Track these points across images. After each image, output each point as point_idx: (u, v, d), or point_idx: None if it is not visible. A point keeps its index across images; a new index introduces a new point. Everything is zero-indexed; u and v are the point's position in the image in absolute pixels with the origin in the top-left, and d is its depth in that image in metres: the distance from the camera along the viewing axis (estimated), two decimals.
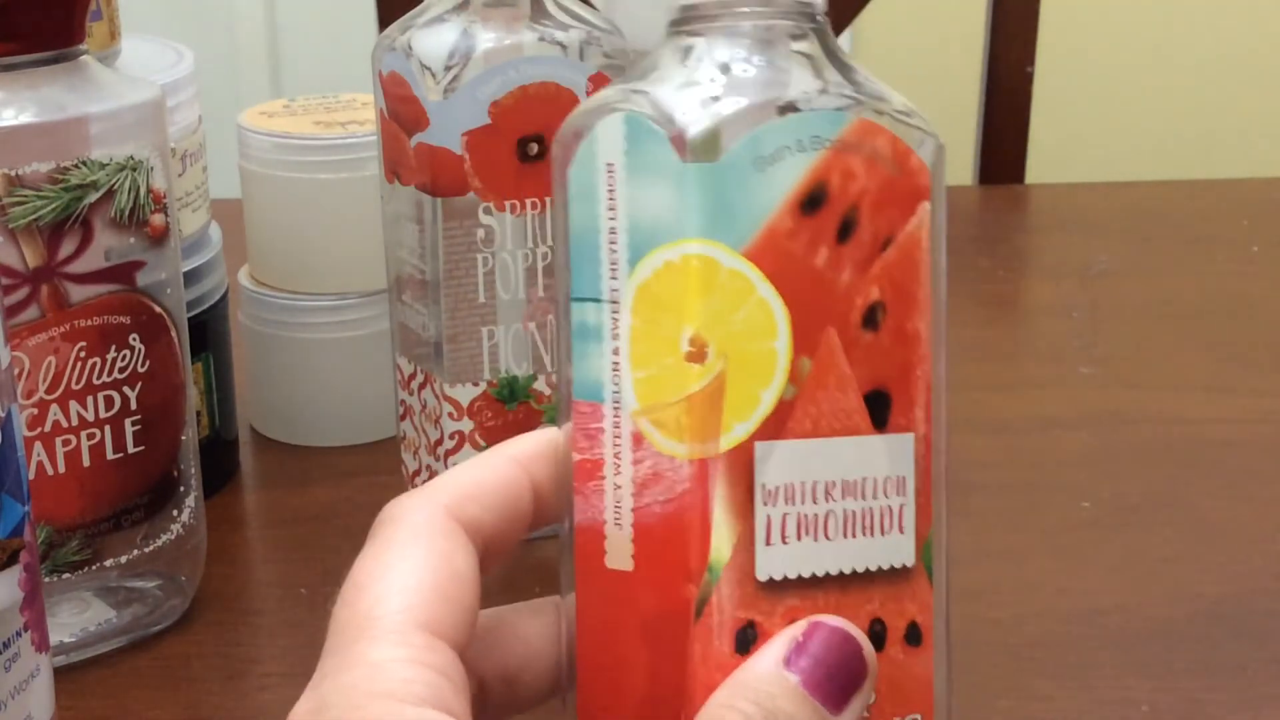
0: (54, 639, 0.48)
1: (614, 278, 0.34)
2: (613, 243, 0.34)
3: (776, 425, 0.33)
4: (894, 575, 0.34)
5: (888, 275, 0.34)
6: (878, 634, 0.34)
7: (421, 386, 0.58)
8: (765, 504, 0.33)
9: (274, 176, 0.66)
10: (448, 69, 0.54)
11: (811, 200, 0.33)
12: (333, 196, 0.65)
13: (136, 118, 0.50)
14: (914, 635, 0.35)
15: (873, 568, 0.34)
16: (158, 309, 0.51)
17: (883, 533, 0.34)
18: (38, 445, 0.49)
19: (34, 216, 0.48)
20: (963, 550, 0.59)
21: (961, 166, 1.19)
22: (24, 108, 0.48)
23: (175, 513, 0.53)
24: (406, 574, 0.32)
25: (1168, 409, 0.70)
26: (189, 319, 0.54)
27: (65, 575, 0.51)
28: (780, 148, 0.33)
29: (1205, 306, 0.82)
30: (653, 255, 0.33)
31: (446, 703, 0.30)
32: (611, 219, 0.34)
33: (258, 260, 0.68)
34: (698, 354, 0.33)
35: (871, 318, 0.34)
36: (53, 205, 0.48)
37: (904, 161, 0.34)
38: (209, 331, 0.63)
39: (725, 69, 0.34)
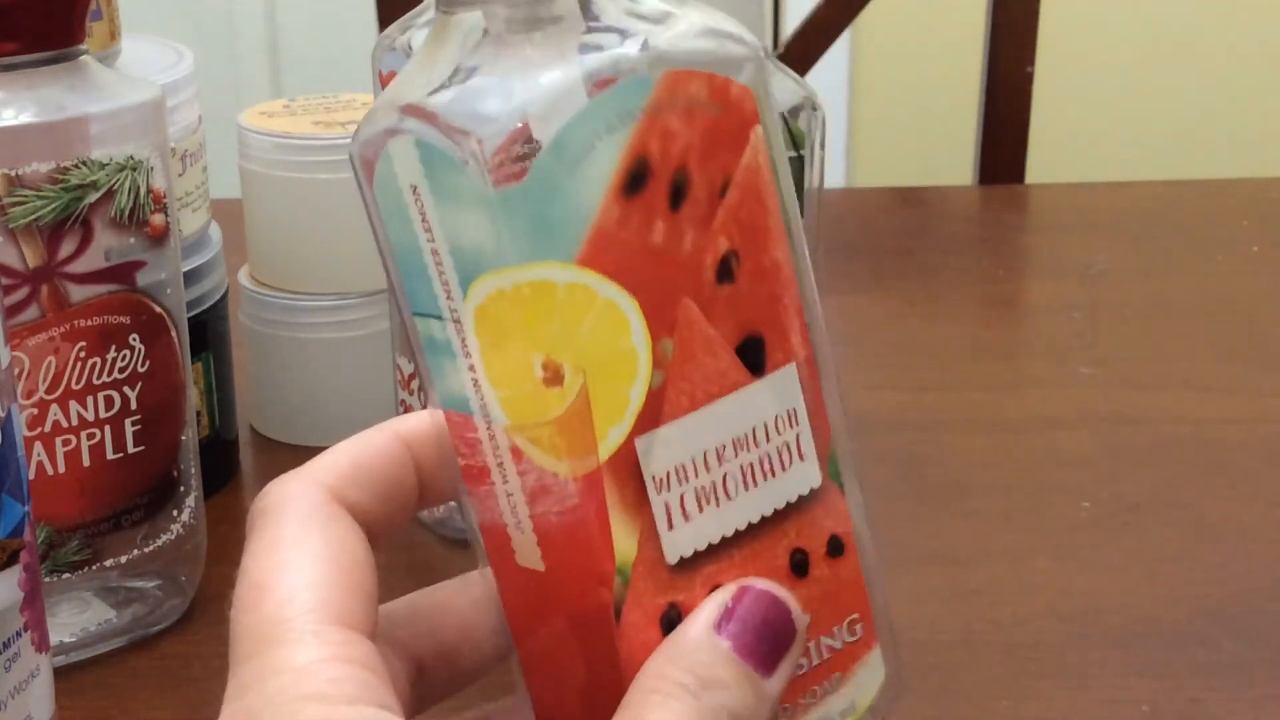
0: (54, 639, 0.48)
1: (450, 298, 0.32)
2: (439, 265, 0.32)
3: (652, 415, 0.32)
4: (804, 501, 0.34)
5: (733, 220, 0.33)
6: (800, 561, 0.34)
7: (421, 386, 0.58)
8: (659, 492, 0.32)
9: (274, 176, 0.66)
10: None
11: (634, 180, 0.32)
12: (333, 196, 0.65)
13: (136, 118, 0.50)
14: (836, 547, 0.35)
15: (781, 505, 0.34)
16: (158, 309, 0.51)
17: (784, 469, 0.34)
18: (38, 445, 0.49)
19: (34, 216, 0.48)
20: (963, 550, 0.59)
21: (961, 166, 1.19)
22: (24, 108, 0.48)
23: (175, 513, 0.53)
24: (307, 568, 0.31)
25: (1168, 409, 0.70)
26: (189, 319, 0.54)
27: (65, 575, 0.51)
28: (588, 138, 0.31)
29: (1205, 306, 0.82)
30: (483, 280, 0.32)
31: (377, 696, 0.30)
32: (431, 241, 0.32)
33: (258, 260, 0.68)
34: (554, 378, 0.32)
35: (726, 269, 0.33)
36: (53, 205, 0.48)
37: (724, 96, 0.33)
38: (209, 331, 0.63)
39: (508, 56, 0.32)
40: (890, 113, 1.99)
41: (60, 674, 0.46)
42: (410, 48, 0.55)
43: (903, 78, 1.98)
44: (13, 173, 0.47)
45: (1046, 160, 1.31)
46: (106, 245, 0.50)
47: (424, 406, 0.58)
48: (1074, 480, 0.64)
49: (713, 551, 0.33)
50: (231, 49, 2.09)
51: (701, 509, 0.33)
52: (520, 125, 0.30)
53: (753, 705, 0.31)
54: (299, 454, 0.66)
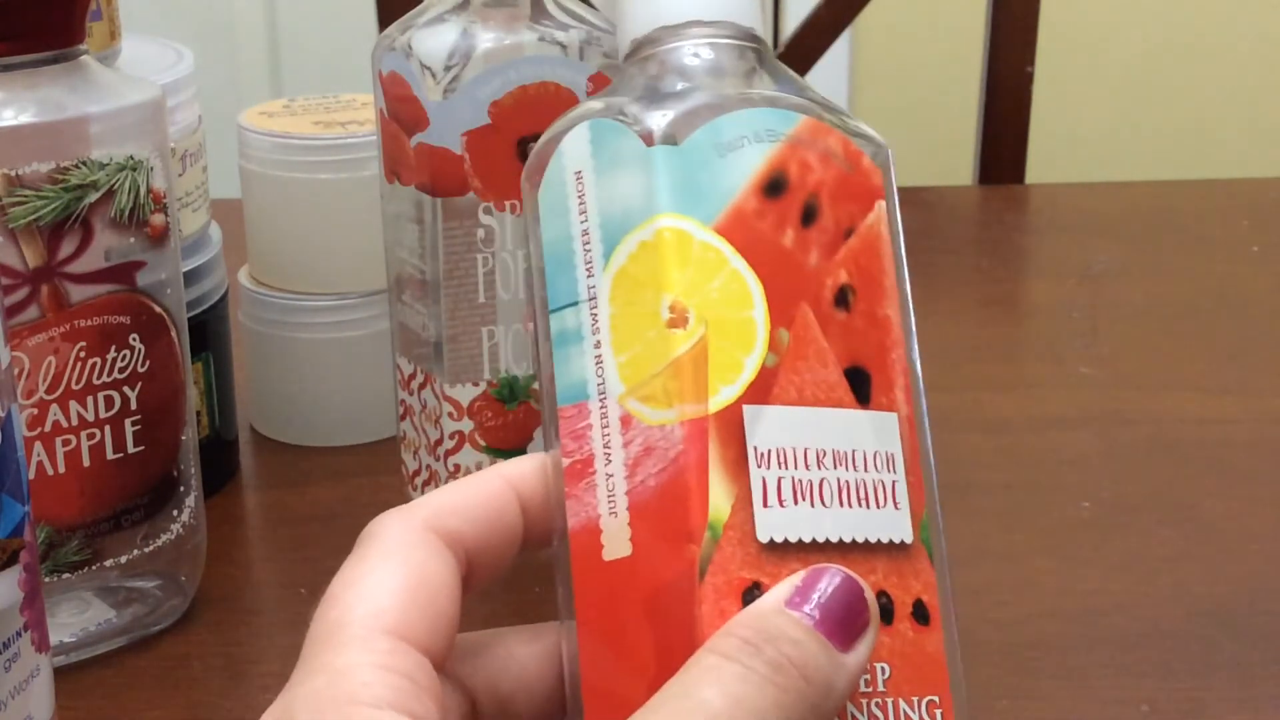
0: (54, 639, 0.48)
1: (590, 275, 0.34)
2: (586, 245, 0.35)
3: (762, 390, 0.33)
4: (894, 550, 0.34)
5: (854, 261, 0.35)
6: (885, 606, 0.33)
7: (421, 386, 0.58)
8: (759, 466, 0.33)
9: (274, 176, 0.66)
10: (448, 69, 0.54)
11: (773, 185, 0.35)
12: (333, 196, 0.65)
13: (136, 118, 0.50)
14: (921, 613, 0.34)
15: (872, 539, 0.34)
16: (158, 309, 0.51)
17: (879, 505, 0.34)
18: (38, 445, 0.49)
19: (34, 216, 0.48)
20: (963, 550, 0.59)
21: (961, 166, 1.19)
22: (24, 108, 0.48)
23: (175, 513, 0.53)
24: (376, 584, 0.32)
25: (1168, 409, 0.70)
26: (189, 319, 0.54)
27: (65, 575, 0.51)
28: (739, 136, 0.34)
29: (1205, 306, 0.82)
30: (626, 240, 0.34)
31: (409, 705, 0.30)
32: (583, 222, 0.35)
33: (258, 260, 0.68)
34: (679, 319, 0.33)
35: (843, 298, 0.35)
36: (53, 205, 0.48)
37: (856, 161, 0.36)
38: (209, 331, 0.63)
39: (683, 76, 0.36)
40: (890, 113, 1.99)
41: (60, 674, 0.46)
42: (410, 48, 0.55)
43: (903, 78, 1.98)
44: (13, 173, 0.47)
45: (1046, 160, 1.31)
46: (106, 245, 0.49)
47: (423, 407, 0.58)
48: (1074, 480, 0.64)
49: (802, 549, 0.33)
50: (231, 49, 2.09)
51: (797, 501, 0.33)
52: (683, 111, 0.35)
53: (824, 664, 0.30)
54: (299, 454, 0.67)
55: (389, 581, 0.32)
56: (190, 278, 0.59)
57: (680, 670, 0.30)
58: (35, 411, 0.49)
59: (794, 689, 0.29)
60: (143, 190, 0.50)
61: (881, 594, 0.33)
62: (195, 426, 0.54)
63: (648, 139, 0.34)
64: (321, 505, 0.62)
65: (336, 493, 0.63)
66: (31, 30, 0.48)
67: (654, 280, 0.33)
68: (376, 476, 0.63)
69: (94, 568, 0.51)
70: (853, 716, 0.33)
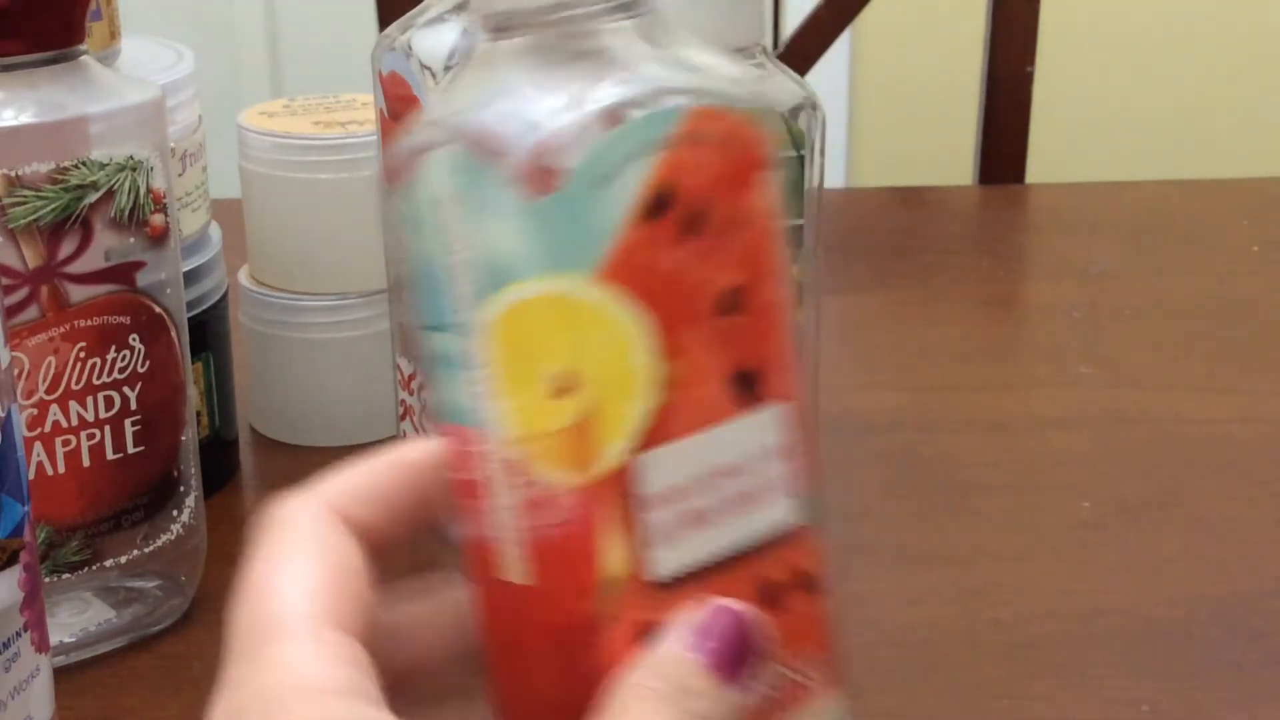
0: (54, 639, 0.48)
1: (465, 311, 0.34)
2: (458, 278, 0.34)
3: (652, 435, 0.33)
4: (783, 536, 0.35)
5: (741, 255, 0.35)
6: (775, 592, 0.35)
7: (421, 387, 0.58)
8: (651, 511, 0.34)
9: (274, 176, 0.66)
10: (448, 69, 0.54)
11: (656, 205, 0.33)
12: (333, 196, 0.65)
13: (136, 118, 0.50)
14: (809, 585, 0.36)
15: (762, 535, 0.35)
16: (158, 309, 0.51)
17: (767, 502, 0.35)
18: (38, 445, 0.49)
19: (34, 216, 0.48)
20: (963, 550, 0.59)
21: (961, 166, 1.19)
22: (24, 108, 0.48)
23: (175, 513, 0.53)
24: (305, 574, 0.32)
25: (1168, 409, 0.70)
26: (189, 319, 0.54)
27: (65, 575, 0.51)
28: (617, 161, 0.33)
29: (1205, 306, 0.82)
30: (505, 292, 0.33)
31: (367, 694, 0.31)
32: (453, 255, 0.34)
33: (258, 260, 0.68)
34: (565, 388, 0.33)
35: (731, 302, 0.35)
36: (53, 205, 0.48)
37: (743, 139, 0.35)
38: (209, 331, 0.63)
39: (540, 79, 0.34)
40: (890, 113, 1.99)
41: (60, 674, 0.46)
42: (410, 48, 0.55)
43: (903, 78, 1.98)
44: (13, 173, 0.47)
45: (1046, 160, 1.31)
46: (106, 245, 0.49)
47: (423, 407, 0.58)
48: (1074, 480, 0.64)
49: (695, 575, 0.34)
50: (231, 49, 2.09)
51: (689, 531, 0.34)
52: (552, 145, 0.32)
53: (724, 715, 0.32)
54: (299, 454, 0.67)
55: (315, 570, 0.33)
56: (190, 278, 0.59)
57: (599, 714, 0.32)
58: (35, 412, 0.49)
59: None
60: (143, 190, 0.50)
61: (771, 582, 0.35)
62: (195, 426, 0.54)
63: (512, 179, 0.32)
64: None
65: None
66: (31, 30, 0.48)
67: (534, 344, 0.33)
68: None
69: (94, 568, 0.51)
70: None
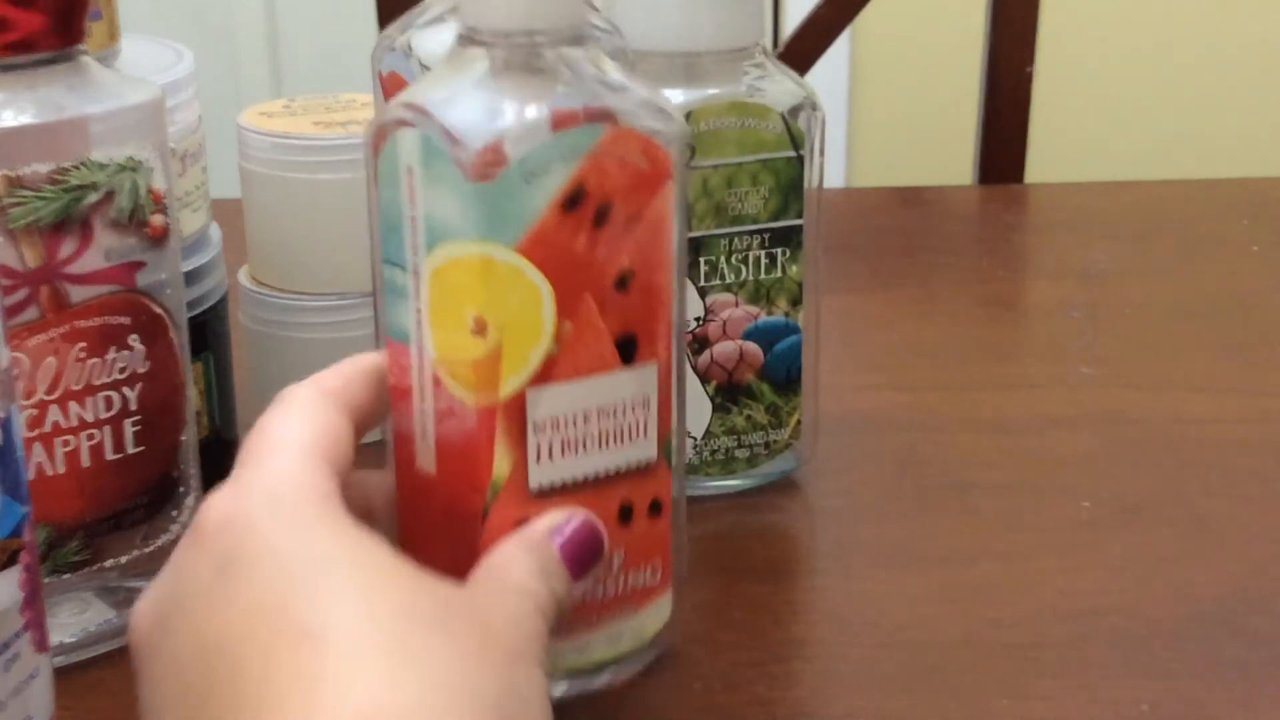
0: (54, 639, 0.48)
1: (415, 254, 0.43)
2: (414, 229, 0.43)
3: (544, 375, 0.43)
4: (639, 469, 0.46)
5: (636, 246, 0.44)
6: (627, 512, 0.46)
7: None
8: (535, 434, 0.43)
9: (274, 176, 0.66)
10: None
11: (572, 200, 0.42)
12: (333, 196, 0.65)
13: (136, 118, 0.50)
14: (655, 508, 0.46)
15: (622, 467, 0.45)
16: (158, 309, 0.51)
17: (631, 440, 0.45)
18: (38, 446, 0.49)
19: (34, 217, 0.48)
20: (963, 550, 0.59)
21: (961, 166, 1.19)
22: (24, 108, 0.48)
23: (175, 513, 0.53)
24: (301, 423, 0.42)
25: (1168, 409, 0.70)
26: (189, 319, 0.54)
27: (65, 575, 0.51)
28: (546, 161, 0.42)
29: (1205, 306, 0.82)
30: (445, 246, 0.42)
31: (341, 504, 0.40)
32: (412, 210, 0.43)
33: (258, 260, 0.68)
34: (479, 329, 0.42)
35: (623, 282, 0.44)
36: (53, 206, 0.48)
37: (652, 155, 0.44)
38: (209, 331, 0.63)
39: (502, 89, 0.43)
40: (890, 113, 1.99)
41: (60, 674, 0.46)
42: (410, 48, 0.55)
43: (903, 78, 1.98)
44: (13, 173, 0.47)
45: (1046, 160, 1.31)
46: (106, 246, 0.50)
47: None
48: (1074, 480, 0.64)
49: (565, 488, 0.44)
50: (231, 49, 2.09)
51: (564, 455, 0.44)
52: (497, 142, 0.41)
53: (563, 595, 0.42)
54: None
55: (309, 422, 0.42)
56: (190, 278, 0.59)
57: (482, 570, 0.41)
58: (35, 412, 0.49)
59: (553, 611, 0.41)
60: (143, 190, 0.50)
61: (625, 503, 0.46)
62: (195, 426, 0.54)
63: (463, 167, 0.41)
64: None
65: None
66: (31, 30, 0.48)
67: (463, 293, 0.42)
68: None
69: (94, 568, 0.51)
70: (592, 594, 0.45)
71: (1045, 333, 0.81)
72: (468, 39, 0.43)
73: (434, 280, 0.42)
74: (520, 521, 0.43)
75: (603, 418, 0.44)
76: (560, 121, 0.42)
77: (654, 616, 0.48)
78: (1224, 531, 0.60)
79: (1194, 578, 0.57)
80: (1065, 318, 0.81)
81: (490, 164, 0.41)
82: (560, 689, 0.47)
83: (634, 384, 0.45)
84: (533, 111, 0.42)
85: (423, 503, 0.45)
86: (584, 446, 0.44)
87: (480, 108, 0.42)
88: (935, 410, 0.71)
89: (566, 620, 0.43)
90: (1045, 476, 0.64)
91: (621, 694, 0.49)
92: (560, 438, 0.44)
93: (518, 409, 0.43)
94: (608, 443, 0.45)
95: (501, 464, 0.43)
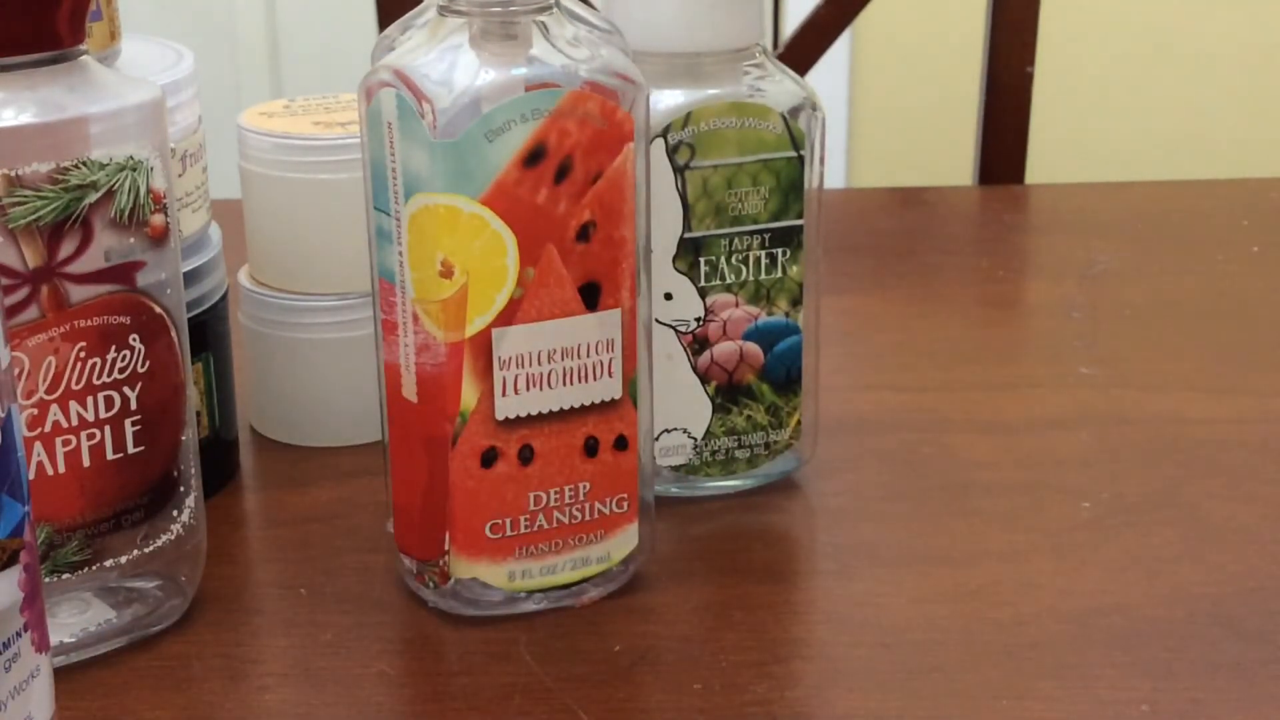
0: (54, 639, 0.48)
1: (397, 203, 0.48)
2: (394, 178, 0.48)
3: (509, 316, 0.48)
4: (605, 405, 0.51)
5: (598, 201, 0.48)
6: (592, 445, 0.51)
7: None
8: (501, 369, 0.49)
9: (274, 176, 0.66)
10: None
11: (533, 156, 0.47)
12: (333, 196, 0.65)
13: (136, 118, 0.50)
14: (621, 443, 0.51)
15: (587, 403, 0.50)
16: (158, 309, 0.51)
17: (595, 379, 0.50)
18: (38, 445, 0.49)
19: (34, 217, 0.48)
20: (963, 550, 0.59)
21: (961, 166, 1.19)
22: (24, 108, 0.48)
23: (175, 513, 0.53)
24: None
25: (1168, 409, 0.70)
26: (189, 319, 0.54)
27: (65, 575, 0.51)
28: (507, 121, 0.47)
29: (1205, 306, 0.82)
30: (418, 196, 0.48)
31: None
32: (393, 162, 0.48)
33: (258, 260, 0.68)
34: (447, 272, 0.47)
35: (584, 233, 0.49)
36: (53, 205, 0.48)
37: (611, 116, 0.48)
38: (209, 331, 0.63)
39: (474, 54, 0.47)
40: (890, 113, 1.99)
41: (60, 674, 0.46)
42: None
43: (903, 78, 1.98)
44: (13, 173, 0.47)
45: (1046, 160, 1.31)
46: (106, 245, 0.50)
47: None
48: (1074, 480, 0.64)
49: (530, 420, 0.50)
50: (231, 49, 2.09)
51: (529, 389, 0.49)
52: (465, 101, 0.46)
53: None
54: (299, 454, 0.67)
55: None
56: (190, 278, 0.59)
57: None
58: (35, 411, 0.49)
59: None
60: (143, 190, 0.50)
61: (590, 438, 0.51)
62: (195, 426, 0.54)
63: (431, 125, 0.46)
64: (321, 505, 0.62)
65: (336, 493, 0.63)
66: (32, 30, 0.48)
67: (432, 238, 0.47)
68: (376, 476, 0.63)
69: (94, 568, 0.51)
70: (560, 520, 0.51)
71: (1045, 333, 0.81)
72: (447, 8, 0.48)
73: (410, 226, 0.48)
74: (486, 449, 0.49)
75: (566, 357, 0.49)
76: (524, 84, 0.47)
77: (621, 544, 0.52)
78: (1224, 531, 0.60)
79: (1194, 578, 0.57)
80: (1065, 318, 0.81)
81: (456, 121, 0.46)
82: (531, 604, 0.52)
83: (597, 327, 0.49)
84: (497, 75, 0.47)
85: (406, 427, 0.51)
86: (548, 383, 0.49)
87: (449, 71, 0.47)
88: (935, 410, 0.71)
89: (535, 544, 0.49)
90: (1045, 477, 0.64)
91: (622, 693, 0.49)
92: (525, 374, 0.49)
93: (484, 346, 0.48)
94: (571, 380, 0.49)
95: (469, 395, 0.48)
